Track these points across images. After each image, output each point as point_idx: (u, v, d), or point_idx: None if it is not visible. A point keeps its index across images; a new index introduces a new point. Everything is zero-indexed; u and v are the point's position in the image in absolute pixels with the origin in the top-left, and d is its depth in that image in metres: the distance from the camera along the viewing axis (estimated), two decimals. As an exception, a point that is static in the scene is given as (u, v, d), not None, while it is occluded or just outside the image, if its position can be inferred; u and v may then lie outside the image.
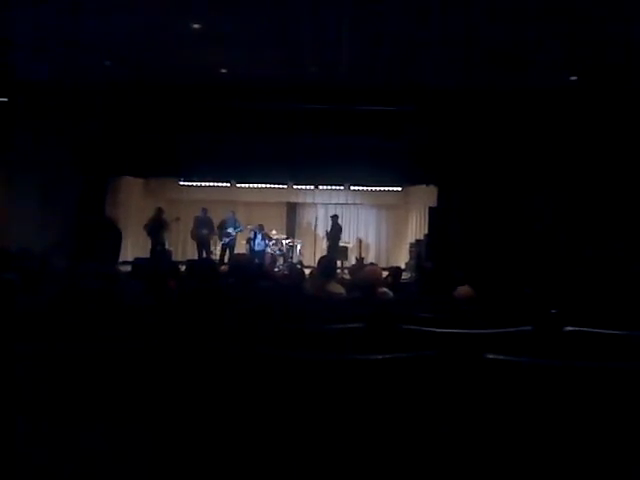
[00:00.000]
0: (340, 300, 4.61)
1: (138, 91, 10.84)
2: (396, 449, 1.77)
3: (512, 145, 11.00)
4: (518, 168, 11.02)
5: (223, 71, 10.12)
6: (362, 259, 15.16)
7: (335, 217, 15.17)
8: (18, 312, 3.11)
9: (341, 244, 15.59)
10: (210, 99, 11.04)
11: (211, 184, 15.67)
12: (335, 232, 14.97)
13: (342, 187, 15.99)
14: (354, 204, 17.00)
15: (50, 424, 1.75)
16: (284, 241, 15.01)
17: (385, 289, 5.02)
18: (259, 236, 14.61)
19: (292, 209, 17.15)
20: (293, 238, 15.61)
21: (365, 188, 15.97)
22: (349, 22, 7.79)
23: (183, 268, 6.71)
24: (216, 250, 14.62)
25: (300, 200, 16.94)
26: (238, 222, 14.66)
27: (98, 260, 7.91)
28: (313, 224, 16.32)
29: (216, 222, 14.43)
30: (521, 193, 11.10)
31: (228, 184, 15.66)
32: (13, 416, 1.76)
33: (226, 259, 13.88)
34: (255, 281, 5.49)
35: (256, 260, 13.39)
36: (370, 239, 17.15)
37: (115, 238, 11.45)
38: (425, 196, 13.62)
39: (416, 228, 15.08)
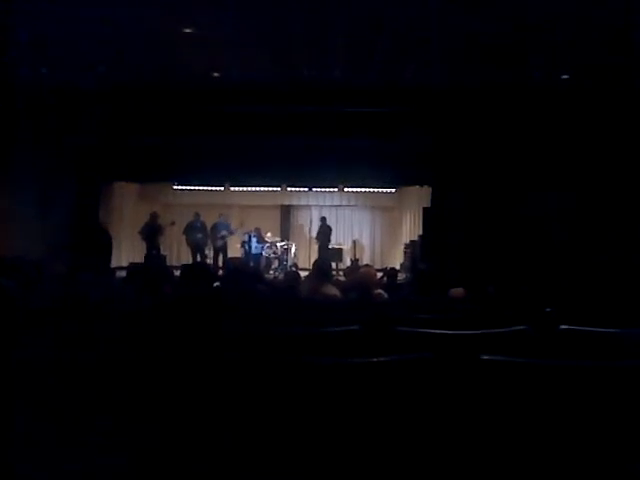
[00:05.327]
0: (335, 302, 4.62)
1: (131, 96, 10.82)
2: (393, 451, 1.77)
3: (506, 146, 11.00)
4: (512, 168, 11.02)
5: (215, 75, 10.11)
6: (357, 260, 15.18)
7: (324, 219, 15.26)
8: (14, 318, 3.11)
9: (336, 246, 15.62)
10: (203, 103, 11.02)
11: (205, 188, 15.65)
12: (324, 234, 14.99)
13: (336, 189, 15.98)
14: (348, 206, 17.01)
15: (48, 430, 1.75)
16: (278, 244, 14.99)
17: (380, 290, 5.04)
18: (254, 239, 14.58)
19: (286, 212, 17.14)
20: (288, 241, 15.59)
21: (359, 190, 15.96)
22: (343, 23, 7.79)
23: (178, 273, 6.69)
24: (210, 254, 14.60)
25: (294, 202, 16.93)
26: (229, 225, 14.64)
27: (90, 266, 7.89)
28: (307, 226, 16.31)
29: (210, 226, 14.42)
30: (516, 193, 11.10)
31: (222, 188, 15.64)
32: (12, 422, 1.76)
33: (220, 263, 13.86)
34: (251, 285, 5.49)
35: (252, 263, 13.40)
36: (365, 240, 17.17)
37: (106, 243, 11.42)
38: (419, 197, 13.64)
39: (410, 229, 15.09)
